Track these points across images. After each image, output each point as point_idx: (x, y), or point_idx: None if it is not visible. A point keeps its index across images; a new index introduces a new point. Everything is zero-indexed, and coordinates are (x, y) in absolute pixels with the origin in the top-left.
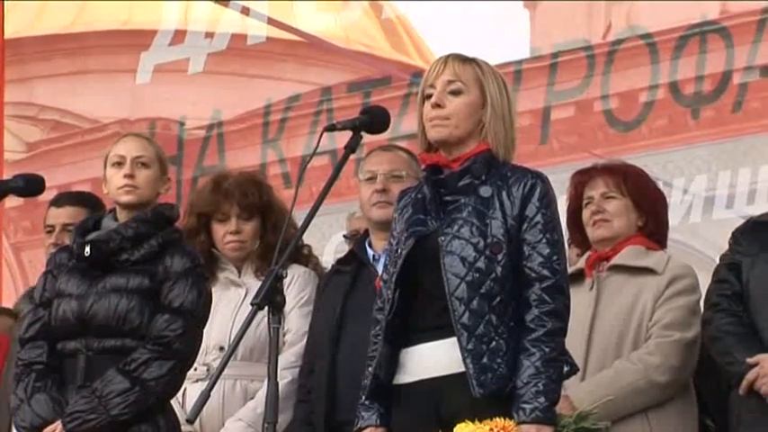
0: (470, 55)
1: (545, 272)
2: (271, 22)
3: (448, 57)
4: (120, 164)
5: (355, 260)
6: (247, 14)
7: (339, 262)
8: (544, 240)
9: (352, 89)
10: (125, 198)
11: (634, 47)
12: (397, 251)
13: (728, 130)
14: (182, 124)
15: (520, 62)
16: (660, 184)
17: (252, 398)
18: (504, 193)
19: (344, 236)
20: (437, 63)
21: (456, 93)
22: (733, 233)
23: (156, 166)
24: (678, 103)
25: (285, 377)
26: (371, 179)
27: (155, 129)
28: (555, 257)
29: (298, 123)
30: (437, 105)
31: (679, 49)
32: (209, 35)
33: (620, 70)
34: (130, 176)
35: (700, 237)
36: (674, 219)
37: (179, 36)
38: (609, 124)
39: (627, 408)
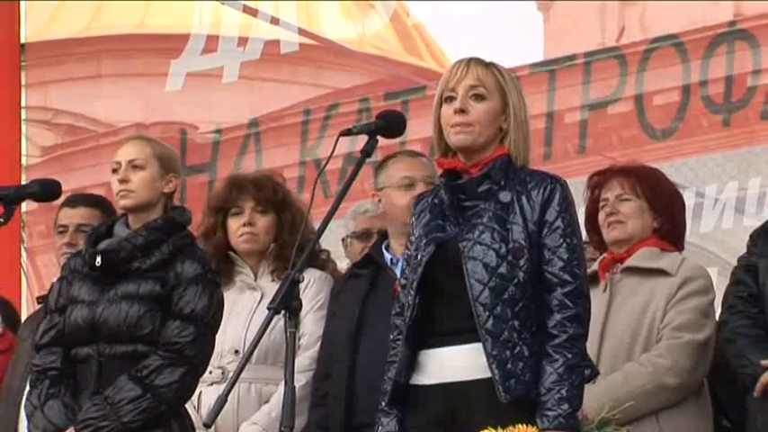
0: (486, 58)
1: (566, 276)
2: (301, 32)
3: (470, 60)
4: (116, 170)
5: (372, 264)
6: (277, 24)
7: (355, 265)
8: (564, 245)
9: (389, 97)
10: (121, 203)
11: (661, 50)
12: (416, 257)
13: (754, 135)
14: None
15: (544, 64)
16: (692, 192)
17: (266, 401)
18: (523, 198)
19: (353, 233)
20: (458, 67)
21: (479, 98)
22: (750, 235)
23: (153, 167)
24: (705, 108)
25: (299, 380)
26: (411, 185)
27: (186, 135)
28: (575, 262)
29: (336, 132)
30: (461, 111)
31: (706, 54)
32: (242, 42)
33: (646, 73)
34: (124, 181)
35: (729, 244)
36: (705, 226)
37: (211, 43)
38: (635, 128)
39: (637, 410)
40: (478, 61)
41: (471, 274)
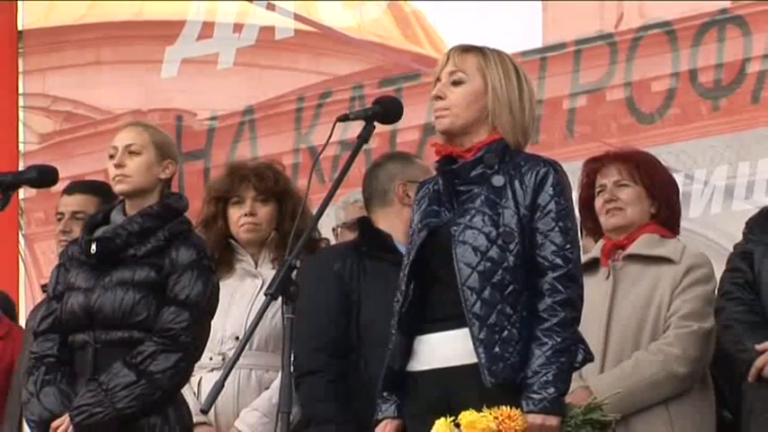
0: (484, 46)
1: (558, 260)
2: (296, 17)
3: (450, 49)
4: (113, 155)
5: (393, 251)
6: (273, 10)
7: (372, 247)
8: (557, 229)
9: (383, 83)
10: (117, 188)
11: (653, 36)
12: (411, 243)
13: (747, 120)
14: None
15: (540, 51)
16: (681, 176)
17: (267, 388)
18: (516, 182)
19: (344, 224)
20: (442, 57)
21: (457, 83)
22: (747, 222)
23: (149, 152)
24: (697, 94)
25: None
26: None
27: (181, 122)
28: (568, 246)
29: (329, 120)
30: (438, 97)
31: (697, 39)
32: (238, 28)
33: (639, 60)
34: (120, 166)
35: (719, 229)
36: (695, 211)
37: (207, 29)
38: (628, 115)
39: (647, 399)
40: (458, 48)
41: (460, 257)
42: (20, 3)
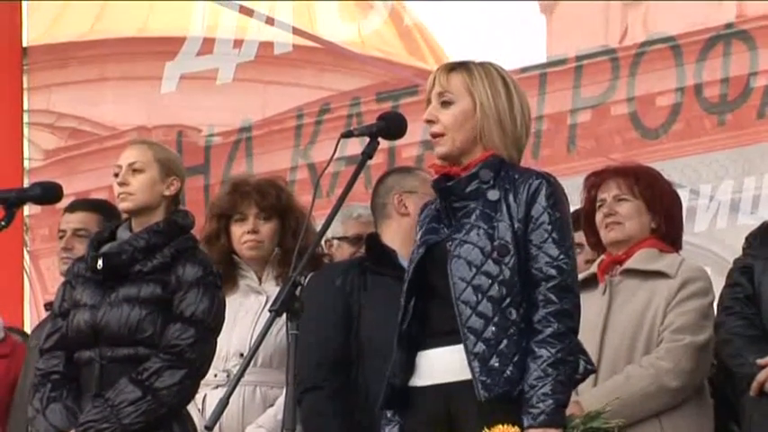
0: (487, 60)
1: (552, 271)
2: (295, 31)
3: (438, 69)
4: (117, 174)
5: (398, 268)
6: (272, 24)
7: (376, 263)
8: (550, 240)
9: (380, 98)
10: (121, 206)
11: (657, 51)
12: (411, 260)
13: (752, 135)
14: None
15: (542, 66)
16: (686, 191)
17: (271, 405)
18: (510, 196)
19: (344, 237)
20: (431, 77)
21: (447, 104)
22: (747, 237)
23: (153, 170)
24: (702, 109)
25: None
26: None
27: (181, 137)
28: (562, 257)
29: (328, 137)
30: (429, 121)
31: (703, 54)
32: (238, 44)
33: (643, 74)
34: (123, 184)
35: (725, 244)
36: (700, 226)
37: (207, 45)
38: (632, 130)
39: (639, 413)
40: (444, 68)
41: (455, 272)
42: (24, 20)
